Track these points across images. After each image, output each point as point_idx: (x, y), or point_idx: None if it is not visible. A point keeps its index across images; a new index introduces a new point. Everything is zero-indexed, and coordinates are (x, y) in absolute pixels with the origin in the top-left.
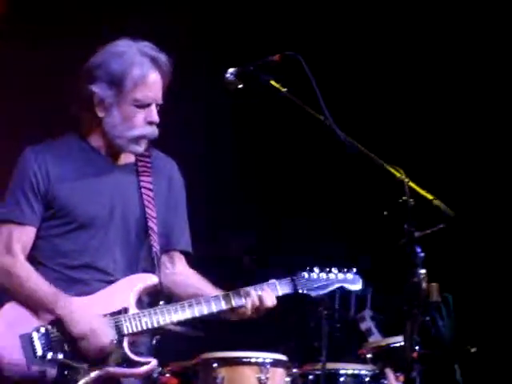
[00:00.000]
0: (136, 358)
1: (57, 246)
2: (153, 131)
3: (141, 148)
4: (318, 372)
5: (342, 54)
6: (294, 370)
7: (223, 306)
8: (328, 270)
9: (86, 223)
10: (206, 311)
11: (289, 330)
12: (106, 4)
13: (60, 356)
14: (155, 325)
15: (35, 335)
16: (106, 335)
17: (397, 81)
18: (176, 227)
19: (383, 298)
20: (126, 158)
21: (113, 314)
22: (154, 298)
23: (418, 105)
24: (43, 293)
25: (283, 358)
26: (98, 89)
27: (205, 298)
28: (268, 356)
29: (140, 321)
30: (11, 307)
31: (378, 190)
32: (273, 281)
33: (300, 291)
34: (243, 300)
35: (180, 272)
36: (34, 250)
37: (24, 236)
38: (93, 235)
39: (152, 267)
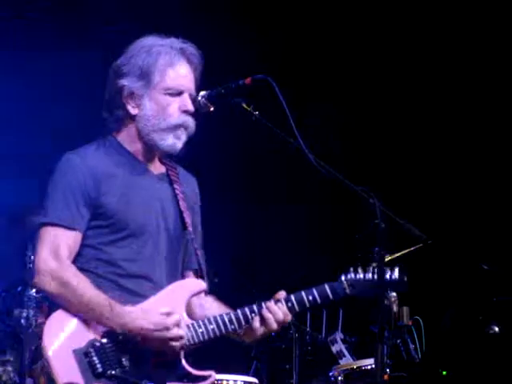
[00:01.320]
0: (197, 372)
1: (107, 254)
2: (189, 120)
3: (179, 142)
4: None
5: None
6: None
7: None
8: (372, 271)
9: (136, 231)
10: (243, 323)
11: (260, 352)
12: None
13: (119, 372)
14: (211, 336)
15: (91, 350)
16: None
17: (366, 105)
18: (198, 243)
19: (354, 320)
20: (158, 168)
21: None
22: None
23: (389, 129)
24: (96, 301)
25: (254, 380)
26: (127, 82)
27: (241, 311)
28: (239, 378)
29: (196, 331)
30: (59, 316)
31: (349, 213)
32: (322, 285)
33: (350, 294)
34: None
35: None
36: (77, 256)
37: (71, 241)
38: (144, 244)
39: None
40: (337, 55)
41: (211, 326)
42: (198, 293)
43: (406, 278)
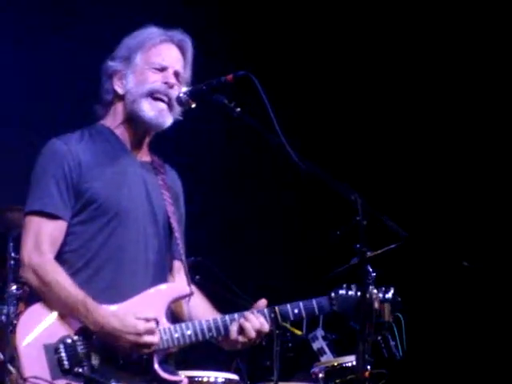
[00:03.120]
0: (169, 377)
1: (91, 241)
2: (170, 92)
3: (160, 115)
4: None
5: (297, 72)
6: None
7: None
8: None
9: (120, 216)
10: (222, 332)
11: (240, 349)
12: None
13: (87, 370)
14: (187, 342)
15: (61, 347)
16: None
17: (348, 99)
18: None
19: (335, 317)
20: (145, 156)
21: None
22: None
23: (368, 126)
24: (73, 299)
25: (235, 377)
26: (113, 63)
27: (222, 319)
28: (220, 375)
29: (171, 336)
30: (37, 309)
31: (330, 210)
32: (310, 300)
33: (336, 310)
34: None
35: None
36: (63, 245)
37: (56, 231)
38: (129, 228)
39: (164, 271)
40: (318, 48)
41: (188, 332)
42: (181, 298)
43: (399, 300)
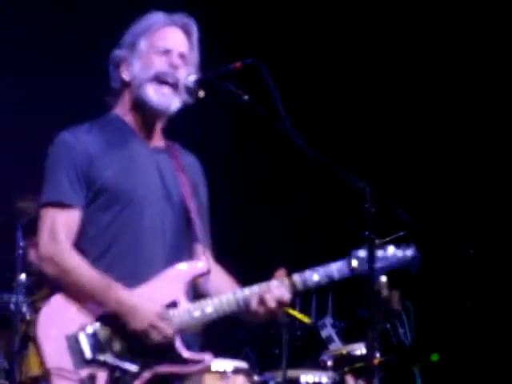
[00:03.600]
0: (189, 356)
1: (105, 229)
2: (174, 75)
3: (165, 98)
4: (278, 379)
5: (304, 62)
6: (255, 378)
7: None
8: (385, 247)
9: (133, 204)
10: (242, 306)
11: (249, 337)
12: None
13: (110, 357)
14: (209, 319)
15: (82, 336)
16: (167, 327)
17: (356, 89)
18: (205, 223)
19: (344, 305)
20: (158, 142)
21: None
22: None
23: (376, 112)
24: (94, 281)
25: (244, 365)
26: (120, 52)
27: (240, 293)
28: (229, 364)
29: (191, 316)
30: (58, 299)
31: (338, 198)
32: (328, 265)
33: (358, 272)
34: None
35: (214, 270)
36: (78, 235)
37: (70, 220)
38: (142, 215)
39: (183, 255)
40: (323, 35)
41: (209, 310)
42: (199, 276)
43: (419, 256)
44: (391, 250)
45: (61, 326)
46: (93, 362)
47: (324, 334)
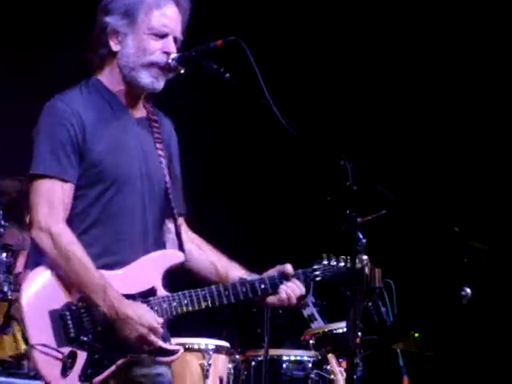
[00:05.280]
0: (166, 346)
1: (92, 206)
2: (166, 58)
3: (157, 81)
4: (260, 358)
5: (287, 41)
6: (237, 357)
7: (250, 295)
8: (344, 259)
9: (116, 183)
10: (233, 300)
11: (231, 316)
12: None
13: (92, 339)
14: (184, 310)
15: (67, 313)
16: (156, 341)
17: (340, 67)
18: (177, 187)
19: (327, 283)
20: (140, 111)
21: (141, 295)
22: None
23: (360, 89)
24: (93, 280)
25: (226, 344)
26: (111, 19)
27: (232, 286)
28: (210, 342)
29: (170, 305)
30: (40, 273)
31: (320, 176)
32: (297, 271)
33: (320, 280)
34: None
35: (191, 240)
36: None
37: (65, 195)
38: (127, 194)
39: (162, 234)
40: (311, 26)
41: (185, 301)
42: (176, 265)
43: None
44: (332, 262)
45: (45, 302)
46: (75, 342)
47: (306, 312)
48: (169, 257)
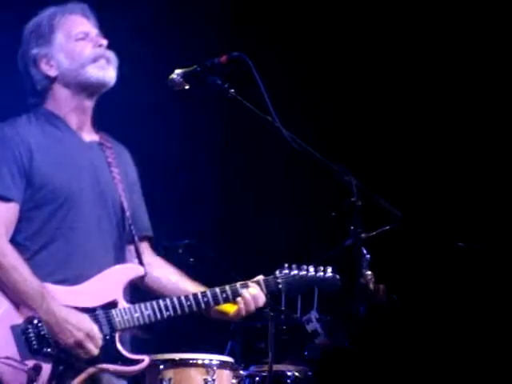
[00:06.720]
0: (130, 356)
1: (43, 225)
2: (106, 52)
3: (106, 72)
4: (264, 374)
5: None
6: (241, 372)
7: (212, 303)
8: (306, 268)
9: (69, 202)
10: (195, 309)
11: (235, 331)
12: None
13: (54, 350)
14: (147, 321)
15: (29, 327)
16: (93, 349)
17: (344, 81)
18: (141, 211)
19: (330, 299)
20: (91, 135)
21: (103, 308)
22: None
23: (364, 103)
24: (29, 286)
25: (230, 359)
26: (34, 50)
27: (194, 296)
28: (215, 358)
29: (132, 316)
30: None
31: (325, 191)
32: (258, 278)
33: (282, 291)
34: (232, 298)
35: (154, 261)
36: (15, 230)
37: (10, 214)
38: (79, 212)
39: (122, 252)
40: (315, 35)
41: (147, 312)
42: (136, 279)
43: (338, 278)
44: (311, 270)
45: (3, 317)
46: (39, 354)
47: (310, 328)
48: (129, 270)
